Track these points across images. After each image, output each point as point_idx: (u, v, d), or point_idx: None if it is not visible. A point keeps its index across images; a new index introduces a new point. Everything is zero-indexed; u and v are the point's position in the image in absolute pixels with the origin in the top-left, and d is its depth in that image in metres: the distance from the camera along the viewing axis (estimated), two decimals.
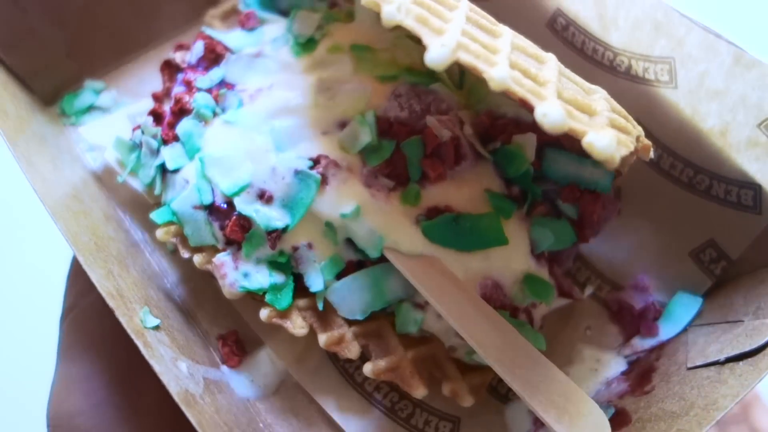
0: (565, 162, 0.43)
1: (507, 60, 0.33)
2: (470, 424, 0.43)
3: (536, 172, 0.43)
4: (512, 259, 0.42)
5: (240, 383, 0.43)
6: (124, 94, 0.54)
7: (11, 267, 0.74)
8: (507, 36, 0.36)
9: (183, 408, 0.33)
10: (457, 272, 0.41)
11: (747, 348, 0.37)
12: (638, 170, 0.45)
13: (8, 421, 0.65)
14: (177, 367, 0.37)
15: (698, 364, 0.40)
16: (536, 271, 0.43)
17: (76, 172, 0.47)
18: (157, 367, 0.34)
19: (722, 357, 0.38)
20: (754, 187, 0.41)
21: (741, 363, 0.37)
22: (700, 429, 0.34)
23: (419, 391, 0.40)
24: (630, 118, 0.37)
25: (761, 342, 0.37)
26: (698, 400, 0.37)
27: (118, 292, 0.37)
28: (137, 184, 0.47)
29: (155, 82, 0.53)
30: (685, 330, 0.44)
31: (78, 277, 0.46)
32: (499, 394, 0.44)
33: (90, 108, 0.52)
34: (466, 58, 0.31)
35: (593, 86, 0.38)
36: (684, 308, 0.45)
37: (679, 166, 0.45)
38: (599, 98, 0.36)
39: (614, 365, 0.45)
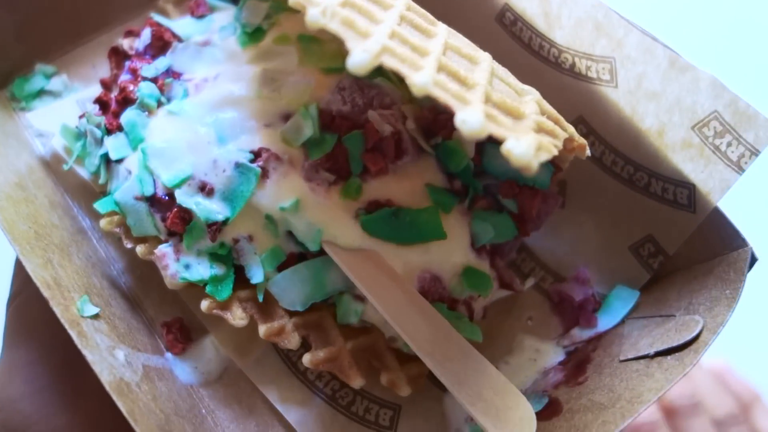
0: (503, 157, 0.43)
1: (435, 63, 0.33)
2: (410, 411, 0.45)
3: (477, 167, 0.44)
4: (452, 252, 0.43)
5: (183, 370, 0.44)
6: (75, 78, 0.53)
7: None
8: (441, 36, 0.36)
9: (114, 397, 0.34)
10: (397, 265, 0.42)
11: (675, 343, 0.39)
12: (582, 166, 0.46)
13: None
14: (113, 355, 0.37)
15: (630, 357, 0.41)
16: (476, 264, 0.44)
17: (22, 158, 0.47)
18: (89, 356, 0.34)
19: (652, 351, 0.39)
20: (689, 186, 0.42)
21: (669, 357, 0.39)
22: (623, 421, 0.36)
23: (356, 382, 0.41)
24: (561, 120, 0.37)
25: (688, 337, 0.38)
26: (625, 392, 0.38)
27: (54, 281, 0.37)
28: (83, 172, 0.47)
29: (108, 66, 0.53)
30: (622, 322, 0.45)
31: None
32: (440, 382, 0.45)
33: (40, 92, 0.52)
34: (390, 62, 0.31)
35: (526, 87, 0.38)
36: (621, 301, 0.46)
37: (620, 162, 0.46)
38: (530, 100, 0.37)
39: (552, 355, 0.46)
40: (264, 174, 0.41)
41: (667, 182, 0.43)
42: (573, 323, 0.47)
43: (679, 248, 0.44)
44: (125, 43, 0.49)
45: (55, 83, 0.52)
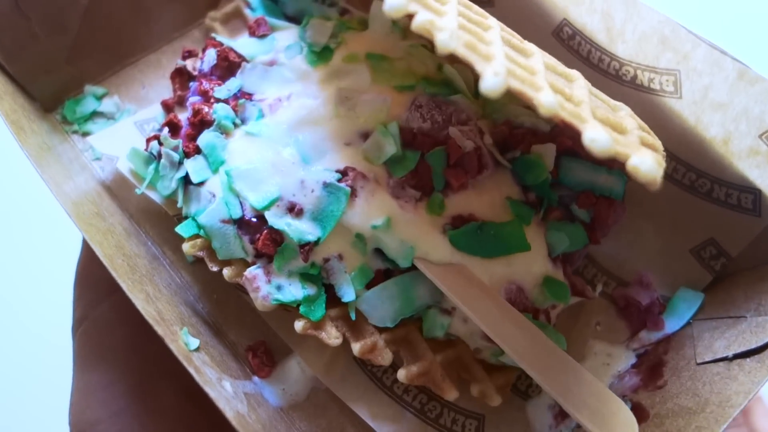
0: (581, 170, 0.45)
1: (546, 82, 0.34)
2: (494, 420, 0.45)
3: (552, 179, 0.45)
4: (533, 263, 0.44)
5: (273, 393, 0.44)
6: (127, 99, 0.52)
7: (28, 273, 0.74)
8: (538, 55, 0.37)
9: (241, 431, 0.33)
10: (483, 278, 0.43)
11: (753, 345, 0.40)
12: None
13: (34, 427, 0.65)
14: (223, 387, 0.37)
15: (707, 359, 0.42)
16: (553, 274, 0.45)
17: (90, 184, 0.46)
18: (212, 394, 0.34)
19: (730, 353, 0.41)
20: (755, 191, 0.44)
21: (748, 360, 0.40)
22: (718, 426, 0.37)
23: (451, 394, 0.42)
24: (652, 133, 0.39)
25: (766, 339, 0.40)
26: (712, 396, 0.39)
27: (160, 316, 0.37)
28: (155, 196, 0.46)
29: (158, 86, 0.53)
30: (688, 324, 0.47)
31: (85, 288, 0.46)
32: (520, 390, 0.47)
33: (93, 114, 0.51)
34: (515, 85, 0.32)
35: (617, 103, 0.39)
36: (686, 303, 0.48)
37: (682, 170, 0.47)
38: (626, 115, 0.38)
39: (624, 359, 0.48)
40: (352, 193, 0.41)
41: (731, 188, 0.45)
42: (640, 326, 0.48)
43: (742, 250, 0.46)
44: (188, 64, 0.48)
45: (107, 104, 0.52)
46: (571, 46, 0.49)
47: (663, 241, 0.49)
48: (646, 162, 0.31)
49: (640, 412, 0.43)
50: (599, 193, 0.44)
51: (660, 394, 0.43)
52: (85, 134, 0.50)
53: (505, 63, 0.33)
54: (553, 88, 0.34)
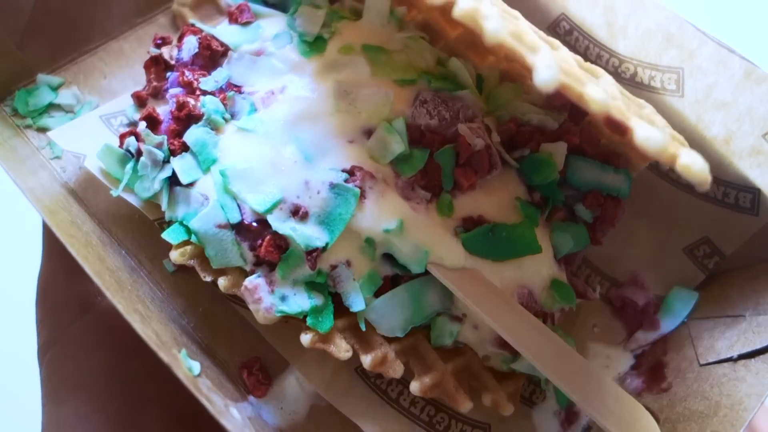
0: (588, 169, 0.43)
1: (585, 75, 0.32)
2: (500, 429, 0.44)
3: (560, 179, 0.44)
4: (541, 265, 0.42)
5: (270, 413, 0.40)
6: (87, 90, 0.47)
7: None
8: (564, 48, 0.36)
9: None
10: (494, 282, 0.41)
11: (758, 345, 0.40)
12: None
13: None
14: (232, 415, 0.33)
15: (710, 360, 0.42)
16: (559, 276, 0.43)
17: (54, 187, 0.41)
18: (228, 426, 0.30)
19: (734, 354, 0.41)
20: (754, 191, 0.44)
21: (754, 360, 0.40)
22: (734, 431, 0.36)
23: (465, 405, 0.40)
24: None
25: None
26: (722, 399, 0.39)
27: (158, 337, 0.32)
28: (132, 199, 0.41)
29: (121, 76, 0.48)
30: (684, 323, 0.47)
31: (50, 308, 0.41)
32: (524, 397, 0.45)
33: (49, 107, 0.45)
34: (563, 79, 0.30)
35: (640, 100, 0.38)
36: (681, 302, 0.48)
37: None
38: (651, 113, 0.37)
39: (623, 360, 0.47)
40: (362, 194, 0.38)
41: (729, 187, 0.45)
42: (636, 327, 0.48)
43: (737, 249, 0.47)
44: (165, 52, 0.43)
45: (64, 96, 0.46)
46: (567, 42, 0.48)
47: (656, 240, 0.49)
48: (698, 161, 0.30)
49: None
50: (606, 193, 0.43)
51: (667, 397, 0.42)
52: (41, 129, 0.44)
53: (554, 56, 0.31)
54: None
